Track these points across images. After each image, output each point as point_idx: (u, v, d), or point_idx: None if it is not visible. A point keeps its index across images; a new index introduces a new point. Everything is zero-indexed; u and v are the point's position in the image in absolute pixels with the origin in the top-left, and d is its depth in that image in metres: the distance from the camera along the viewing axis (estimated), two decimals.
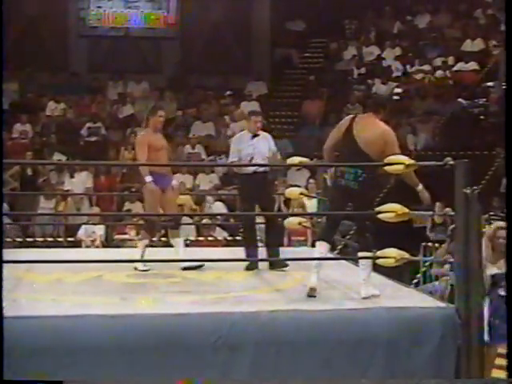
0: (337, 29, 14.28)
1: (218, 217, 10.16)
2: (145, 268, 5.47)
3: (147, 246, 5.73)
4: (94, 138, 11.80)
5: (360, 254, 4.60)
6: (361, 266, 4.58)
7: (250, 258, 5.70)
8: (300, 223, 6.50)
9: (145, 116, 5.84)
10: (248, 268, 5.56)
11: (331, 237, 4.70)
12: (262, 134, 5.87)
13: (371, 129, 4.50)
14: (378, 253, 4.47)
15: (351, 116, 4.66)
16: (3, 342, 3.26)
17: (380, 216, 4.37)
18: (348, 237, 7.46)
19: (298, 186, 8.09)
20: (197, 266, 5.51)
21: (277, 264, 5.61)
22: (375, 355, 4.01)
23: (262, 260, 5.75)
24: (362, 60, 13.60)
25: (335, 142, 4.64)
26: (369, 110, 4.65)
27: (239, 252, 6.82)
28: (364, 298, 4.44)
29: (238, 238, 9.64)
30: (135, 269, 5.46)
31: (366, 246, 4.56)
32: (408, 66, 13.16)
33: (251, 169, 5.69)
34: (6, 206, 9.62)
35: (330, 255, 5.13)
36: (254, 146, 5.77)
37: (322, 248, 4.60)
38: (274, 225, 6.02)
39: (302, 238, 8.60)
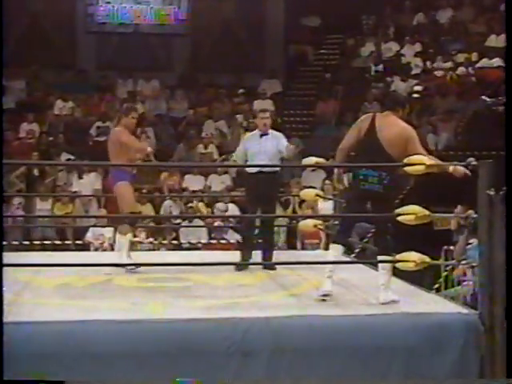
0: (354, 24, 14.25)
1: (231, 219, 10.18)
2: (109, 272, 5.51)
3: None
4: (102, 138, 11.83)
5: (380, 258, 4.58)
6: (380, 271, 4.57)
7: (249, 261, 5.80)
8: (315, 226, 6.51)
9: (117, 115, 6.00)
10: (238, 268, 5.64)
11: (346, 239, 4.71)
12: (273, 133, 5.90)
13: (393, 128, 4.48)
14: (398, 256, 4.47)
15: (370, 115, 4.63)
16: (3, 341, 3.30)
17: (399, 218, 4.37)
18: (365, 240, 7.45)
19: (314, 188, 8.10)
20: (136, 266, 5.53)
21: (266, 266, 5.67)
22: (394, 363, 4.00)
23: (279, 263, 5.77)
24: (380, 57, 13.56)
25: (353, 142, 4.60)
26: (387, 108, 4.62)
27: (253, 255, 6.84)
28: (383, 304, 4.43)
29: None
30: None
31: (386, 250, 4.54)
32: (429, 63, 13.10)
33: (256, 168, 5.74)
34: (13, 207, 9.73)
35: (344, 258, 5.13)
36: (260, 146, 5.83)
37: (336, 251, 4.60)
38: (269, 227, 6.10)
39: (316, 241, 8.60)
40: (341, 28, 14.16)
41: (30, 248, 9.08)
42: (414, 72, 13.05)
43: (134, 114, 5.88)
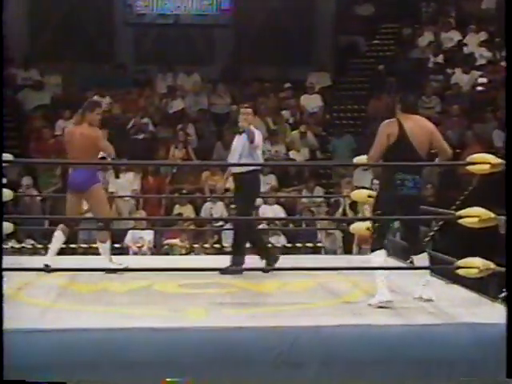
0: (411, 12, 14.11)
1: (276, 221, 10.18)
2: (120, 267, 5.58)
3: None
4: (141, 135, 11.98)
5: (418, 257, 4.79)
6: (379, 271, 4.67)
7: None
8: (368, 229, 6.46)
9: (80, 111, 5.96)
10: (224, 272, 5.66)
11: (383, 244, 4.84)
12: (252, 130, 6.03)
13: (423, 128, 4.74)
14: (460, 262, 4.42)
15: (393, 120, 4.76)
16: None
17: (462, 221, 4.32)
18: (423, 244, 7.35)
19: (366, 188, 8.05)
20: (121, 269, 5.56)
21: (229, 270, 5.74)
22: (453, 377, 3.96)
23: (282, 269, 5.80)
24: (439, 47, 13.38)
25: (383, 150, 4.73)
26: (405, 111, 4.79)
27: (299, 260, 6.84)
28: (369, 305, 4.45)
29: (298, 244, 9.66)
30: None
31: (420, 248, 4.86)
32: (494, 53, 12.86)
33: (234, 169, 6.01)
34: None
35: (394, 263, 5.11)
36: (236, 143, 6.09)
37: (380, 256, 4.68)
38: (241, 230, 6.13)
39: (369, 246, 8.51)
40: (396, 16, 14.04)
41: (66, 251, 9.24)
42: (477, 63, 12.84)
43: (98, 109, 5.94)
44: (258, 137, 6.11)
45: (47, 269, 5.43)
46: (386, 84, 12.95)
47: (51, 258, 5.86)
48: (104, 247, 5.96)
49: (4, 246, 9.07)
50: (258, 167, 6.17)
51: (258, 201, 10.40)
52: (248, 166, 6.04)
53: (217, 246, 9.87)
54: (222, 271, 5.61)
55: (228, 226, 9.94)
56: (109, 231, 6.02)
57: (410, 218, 4.69)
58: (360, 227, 6.55)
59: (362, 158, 6.36)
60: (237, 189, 6.19)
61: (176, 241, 9.48)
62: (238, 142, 6.13)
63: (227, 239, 9.85)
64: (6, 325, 3.94)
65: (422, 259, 4.83)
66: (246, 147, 6.02)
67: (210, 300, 4.87)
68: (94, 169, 5.86)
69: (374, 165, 5.99)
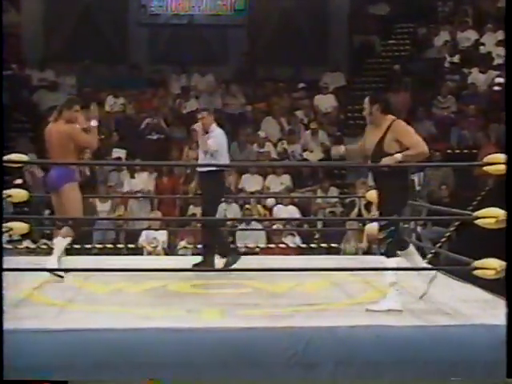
0: (427, 12, 14.04)
1: (291, 222, 10.18)
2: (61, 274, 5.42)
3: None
4: (155, 136, 12.02)
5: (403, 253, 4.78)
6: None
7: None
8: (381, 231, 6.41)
9: (57, 108, 5.94)
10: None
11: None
12: (215, 131, 6.39)
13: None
14: (477, 263, 4.39)
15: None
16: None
17: (478, 222, 4.30)
18: (439, 245, 7.35)
19: None
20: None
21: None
22: (472, 378, 3.94)
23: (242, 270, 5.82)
24: (456, 46, 13.31)
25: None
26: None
27: (314, 260, 6.85)
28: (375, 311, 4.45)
29: (312, 245, 9.65)
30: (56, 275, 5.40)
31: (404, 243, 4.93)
32: None
33: (200, 168, 6.23)
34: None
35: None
36: (204, 144, 6.29)
37: (393, 264, 4.67)
38: (209, 229, 6.29)
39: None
40: (412, 16, 13.97)
41: (81, 252, 9.29)
42: (495, 63, 12.75)
43: (76, 106, 5.89)
44: (221, 138, 6.41)
45: (51, 270, 5.42)
46: (402, 84, 12.91)
47: (55, 263, 5.62)
48: (60, 243, 5.65)
49: (19, 246, 9.16)
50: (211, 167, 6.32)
51: (271, 201, 10.44)
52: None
53: (231, 246, 9.87)
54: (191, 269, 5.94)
55: (242, 226, 10.00)
56: (73, 229, 5.70)
57: (430, 218, 4.67)
58: (375, 228, 6.53)
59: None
60: (202, 188, 6.41)
61: (183, 242, 9.50)
62: (202, 142, 6.38)
63: (242, 240, 9.89)
64: (23, 324, 3.99)
65: (408, 255, 4.92)
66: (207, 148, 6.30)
67: (224, 301, 4.88)
68: (70, 168, 5.64)
69: (388, 165, 5.96)
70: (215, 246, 6.31)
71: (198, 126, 6.44)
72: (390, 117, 4.88)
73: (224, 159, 6.36)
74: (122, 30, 14.31)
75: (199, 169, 6.54)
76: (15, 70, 12.98)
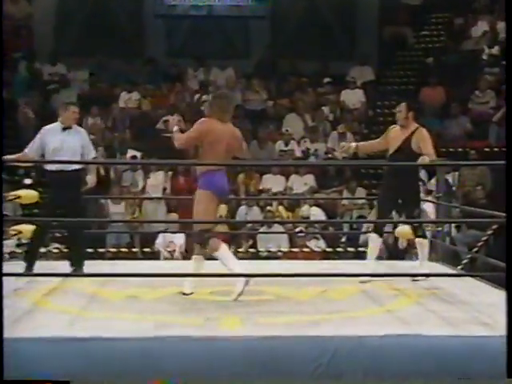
0: (464, 0, 13.95)
1: (315, 225, 10.17)
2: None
3: None
4: (168, 133, 12.04)
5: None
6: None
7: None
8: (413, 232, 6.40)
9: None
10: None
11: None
12: (76, 128, 6.25)
13: None
14: None
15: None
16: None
17: None
18: (475, 249, 7.28)
19: None
20: None
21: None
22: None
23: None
24: (495, 37, 13.17)
25: None
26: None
27: (340, 265, 6.82)
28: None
29: (338, 249, 9.62)
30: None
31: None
32: None
33: (57, 166, 5.99)
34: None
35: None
36: (62, 140, 6.10)
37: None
38: (74, 232, 6.20)
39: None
40: (447, 5, 13.87)
41: (95, 256, 9.34)
42: None
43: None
44: (84, 136, 6.36)
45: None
46: (436, 78, 12.81)
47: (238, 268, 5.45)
48: (223, 254, 5.45)
49: None
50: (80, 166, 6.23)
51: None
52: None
53: (252, 250, 9.89)
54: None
55: (263, 229, 10.00)
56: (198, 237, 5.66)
57: (466, 221, 4.64)
58: (405, 231, 6.51)
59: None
60: (61, 187, 6.07)
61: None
62: (68, 139, 6.19)
63: (263, 244, 9.90)
64: (34, 333, 4.02)
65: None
66: (79, 145, 6.21)
67: (244, 308, 4.88)
68: (208, 174, 5.40)
69: (416, 164, 5.99)
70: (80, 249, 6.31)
71: (72, 122, 6.27)
72: (415, 123, 5.93)
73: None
74: (138, 21, 14.38)
75: (66, 168, 6.14)
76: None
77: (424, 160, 5.65)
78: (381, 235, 6.01)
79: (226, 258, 5.26)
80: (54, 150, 6.06)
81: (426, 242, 5.94)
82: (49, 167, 6.10)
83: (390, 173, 5.97)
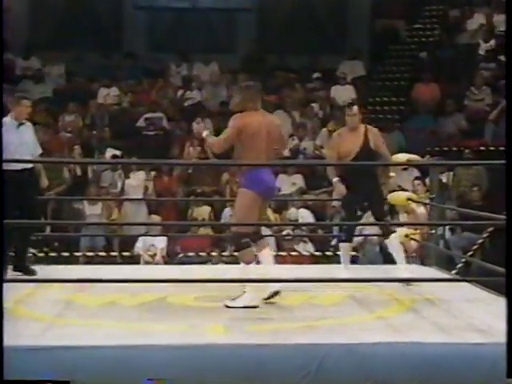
0: None
1: (304, 227, 10.17)
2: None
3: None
4: (153, 131, 12.05)
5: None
6: None
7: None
8: (407, 236, 6.47)
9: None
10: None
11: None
12: (27, 123, 6.33)
13: None
14: None
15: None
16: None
17: None
18: (470, 253, 7.34)
19: (405, 190, 8.03)
20: None
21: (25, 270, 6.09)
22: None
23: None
24: (492, 31, 13.26)
25: None
26: None
27: (330, 269, 6.85)
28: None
29: (327, 252, 9.65)
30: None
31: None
32: None
33: (20, 165, 6.01)
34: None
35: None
36: (20, 137, 6.17)
37: None
38: (22, 233, 6.23)
39: (414, 254, 8.47)
40: None
41: (71, 260, 9.32)
42: None
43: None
44: (33, 131, 6.45)
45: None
46: (430, 73, 12.86)
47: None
48: (265, 257, 5.62)
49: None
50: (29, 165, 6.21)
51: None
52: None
53: (236, 254, 9.87)
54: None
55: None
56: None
57: (460, 223, 4.67)
58: (399, 235, 6.53)
59: (400, 157, 6.38)
60: (17, 188, 6.03)
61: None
62: (24, 135, 6.27)
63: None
64: (6, 342, 4.00)
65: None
66: (31, 141, 6.31)
67: (230, 315, 4.89)
68: (251, 173, 5.34)
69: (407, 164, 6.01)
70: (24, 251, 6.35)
71: (24, 116, 6.34)
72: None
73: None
74: (117, 13, 14.37)
75: (26, 166, 6.25)
76: None
77: (398, 158, 5.84)
78: (350, 240, 6.49)
79: (247, 274, 5.19)
80: (17, 148, 6.02)
81: (395, 243, 6.08)
82: (10, 166, 5.92)
83: (354, 175, 6.07)
